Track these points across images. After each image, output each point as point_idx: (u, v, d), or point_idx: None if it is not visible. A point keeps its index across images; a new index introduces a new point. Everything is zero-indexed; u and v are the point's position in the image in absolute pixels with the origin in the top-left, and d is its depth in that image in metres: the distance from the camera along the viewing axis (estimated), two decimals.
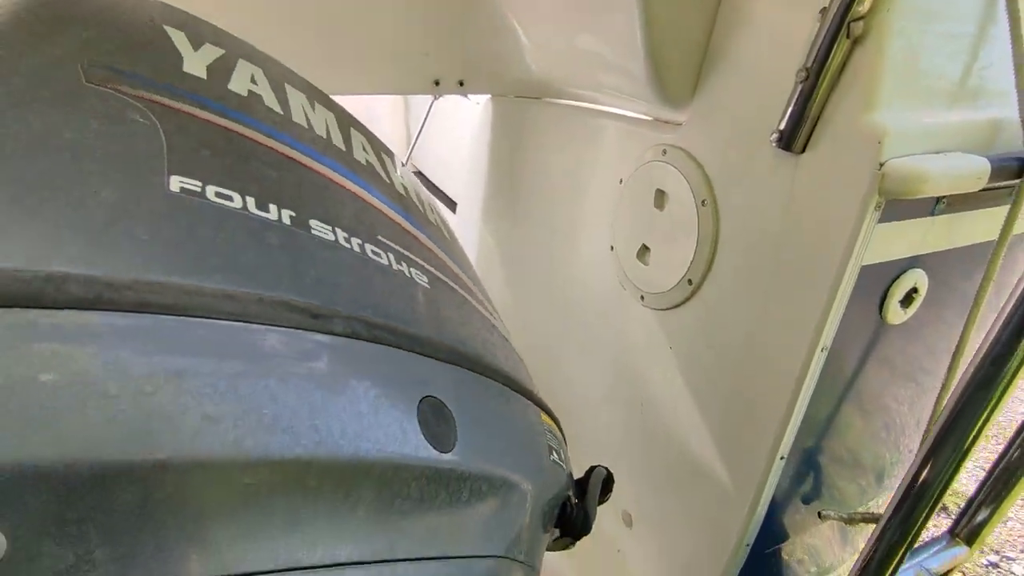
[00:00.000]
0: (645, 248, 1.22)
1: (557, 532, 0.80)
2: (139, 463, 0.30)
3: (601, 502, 0.94)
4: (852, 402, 1.04)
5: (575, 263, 1.48)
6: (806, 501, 1.15)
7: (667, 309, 1.19)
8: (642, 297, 1.24)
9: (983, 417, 0.75)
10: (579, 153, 1.42)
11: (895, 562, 0.77)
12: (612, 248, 1.32)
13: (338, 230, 0.50)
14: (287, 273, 0.42)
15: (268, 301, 0.39)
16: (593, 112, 1.39)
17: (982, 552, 2.55)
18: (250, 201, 0.44)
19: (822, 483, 1.14)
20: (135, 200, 0.37)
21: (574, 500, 0.80)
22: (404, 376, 0.47)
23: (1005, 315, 0.75)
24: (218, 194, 0.42)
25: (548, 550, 0.93)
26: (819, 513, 1.17)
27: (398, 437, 0.43)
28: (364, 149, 0.67)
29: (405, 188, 0.71)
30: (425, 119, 2.18)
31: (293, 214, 0.47)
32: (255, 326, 0.38)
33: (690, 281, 1.11)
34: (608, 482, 0.94)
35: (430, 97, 2.11)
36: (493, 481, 0.51)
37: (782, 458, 0.99)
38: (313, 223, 0.48)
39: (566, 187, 1.48)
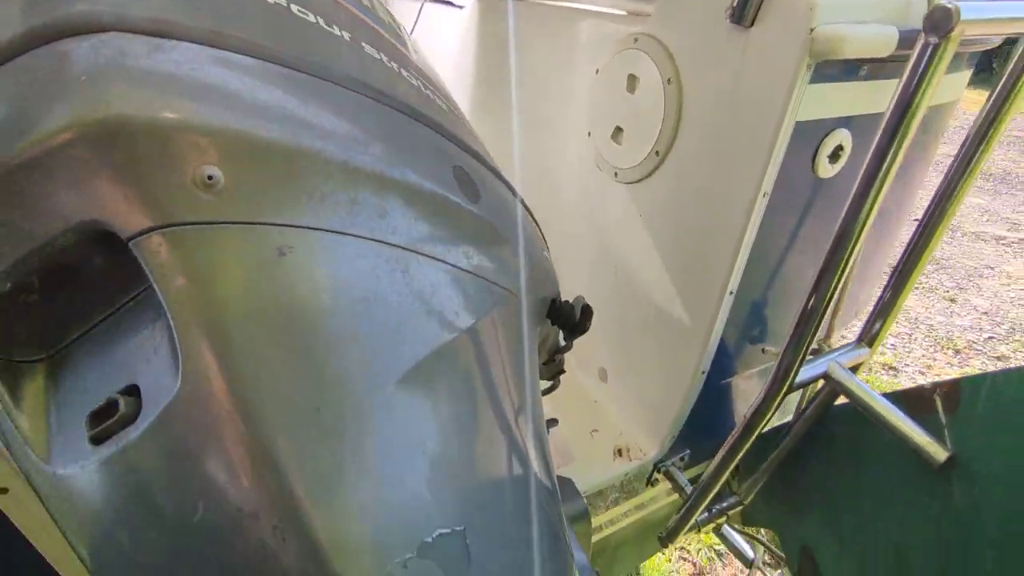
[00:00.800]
0: (619, 129, 1.39)
1: (551, 328, 0.99)
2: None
3: (583, 328, 1.14)
4: (789, 247, 1.24)
5: (555, 151, 1.65)
6: (752, 339, 1.38)
7: (638, 181, 1.37)
8: (616, 174, 1.42)
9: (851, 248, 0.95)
10: (559, 49, 1.56)
11: (802, 355, 0.99)
12: (589, 134, 1.49)
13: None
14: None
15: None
16: (571, 10, 1.52)
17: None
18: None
19: (766, 323, 1.36)
20: None
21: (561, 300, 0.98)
22: (442, 148, 0.64)
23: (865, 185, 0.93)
24: None
25: (542, 379, 1.13)
26: (763, 349, 1.40)
27: (447, 182, 0.60)
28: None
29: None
30: (412, 28, 2.26)
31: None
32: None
33: (657, 152, 1.29)
34: (587, 309, 1.13)
35: (417, 5, 2.19)
36: (505, 232, 0.68)
37: (731, 293, 1.20)
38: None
39: (547, 82, 1.63)
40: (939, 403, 0.98)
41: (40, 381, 0.47)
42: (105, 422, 0.43)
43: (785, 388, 1.01)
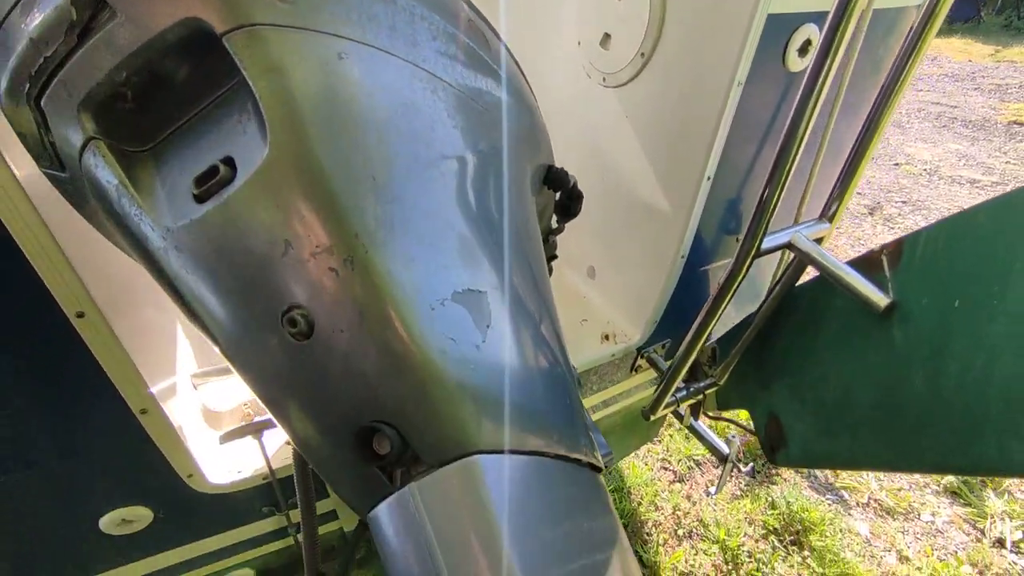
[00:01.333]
0: (607, 36, 1.48)
1: (548, 199, 1.11)
2: None
3: (575, 209, 1.26)
4: (764, 138, 1.37)
5: (545, 63, 1.74)
6: (728, 230, 1.51)
7: (624, 84, 1.47)
8: (604, 79, 1.52)
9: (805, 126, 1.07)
10: None
11: (767, 219, 1.12)
12: (579, 43, 1.58)
13: None
14: None
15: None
16: None
17: None
18: None
19: (740, 215, 1.50)
20: None
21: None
22: (458, 4, 0.75)
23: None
24: None
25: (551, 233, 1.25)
26: (736, 239, 1.53)
27: (463, 29, 0.71)
28: None
29: None
30: None
31: None
32: None
33: (643, 55, 1.39)
34: (578, 191, 1.25)
35: None
36: (513, 81, 0.80)
37: (708, 179, 1.33)
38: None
39: None
40: (885, 261, 1.13)
41: (149, 165, 0.59)
42: (207, 184, 0.55)
43: (753, 251, 1.15)
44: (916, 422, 1.05)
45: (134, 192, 0.57)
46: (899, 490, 3.03)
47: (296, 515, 1.32)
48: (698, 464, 3.09)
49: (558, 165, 1.41)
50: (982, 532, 2.83)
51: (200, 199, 0.55)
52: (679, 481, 3.01)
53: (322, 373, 0.56)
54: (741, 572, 2.57)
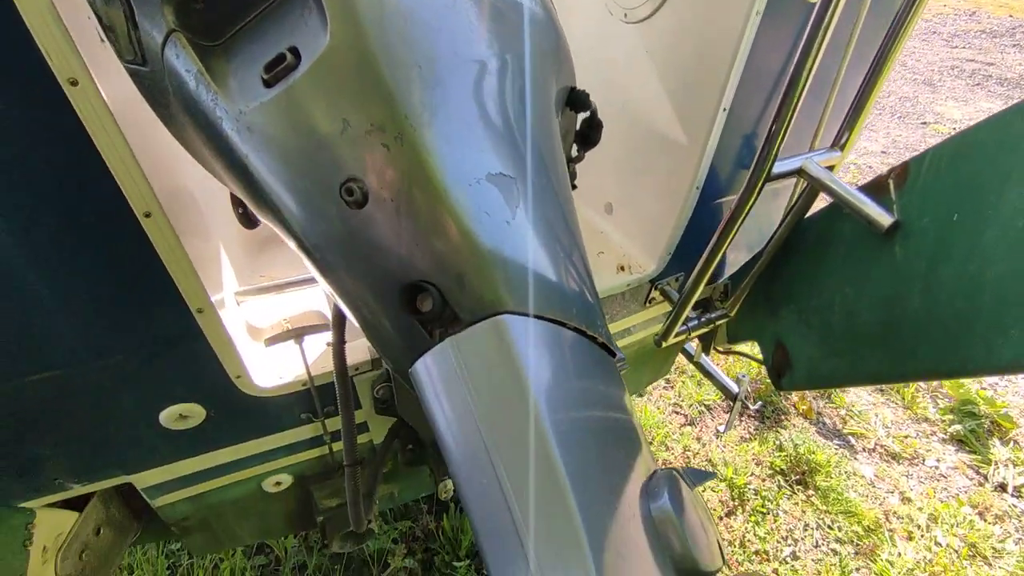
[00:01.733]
0: None
1: (570, 122, 1.17)
2: None
3: (595, 138, 1.32)
4: (781, 71, 1.40)
5: (567, 2, 1.77)
6: (743, 164, 1.56)
7: (645, 19, 1.51)
8: (625, 15, 1.55)
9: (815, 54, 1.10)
10: None
11: (776, 149, 1.17)
12: None
13: None
14: None
15: None
16: None
17: None
18: None
19: (755, 146, 1.54)
20: None
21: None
22: None
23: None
24: None
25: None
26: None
27: None
28: None
29: None
30: None
31: None
32: None
33: None
34: (598, 120, 1.30)
35: None
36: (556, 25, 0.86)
37: (724, 110, 1.37)
38: None
39: None
40: (892, 183, 1.18)
41: (221, 57, 0.67)
42: (275, 70, 0.62)
43: (764, 174, 1.21)
44: (912, 333, 1.12)
45: (210, 79, 0.64)
46: (905, 437, 3.11)
47: (332, 423, 1.43)
48: (708, 408, 3.19)
49: None
50: (985, 477, 2.91)
51: (269, 84, 0.63)
52: (690, 424, 3.12)
53: (374, 237, 0.65)
54: (747, 507, 2.69)
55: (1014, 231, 0.91)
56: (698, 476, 0.92)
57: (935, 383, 3.39)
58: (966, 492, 2.86)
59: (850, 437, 3.11)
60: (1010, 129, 0.94)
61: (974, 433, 3.09)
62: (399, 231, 0.64)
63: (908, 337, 1.13)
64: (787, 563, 2.49)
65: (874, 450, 3.05)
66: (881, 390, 3.39)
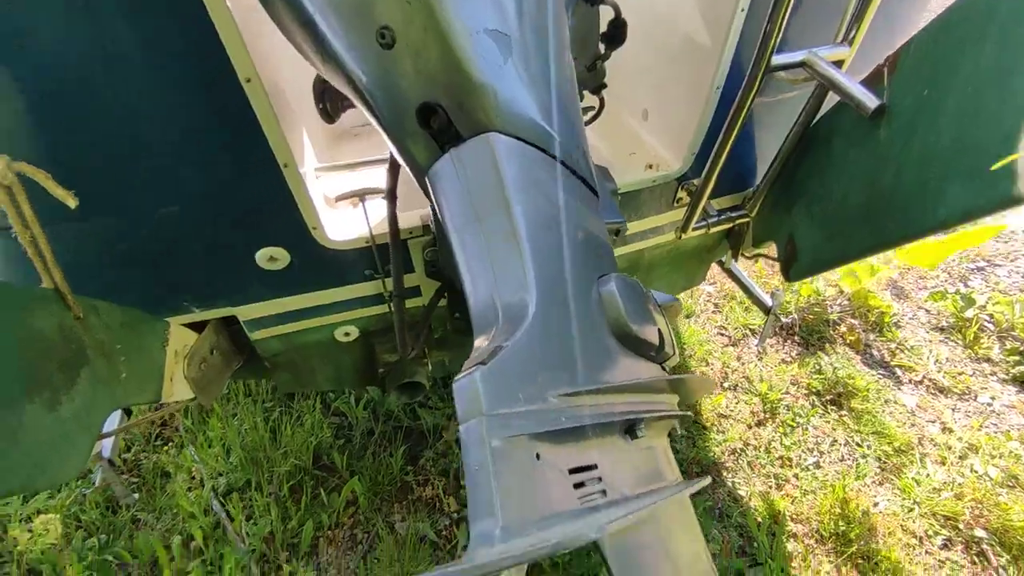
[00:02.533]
0: None
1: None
2: None
3: (620, 39, 1.48)
4: None
5: None
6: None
7: None
8: None
9: None
10: None
11: (774, 39, 1.28)
12: None
13: None
14: None
15: None
16: None
17: None
18: None
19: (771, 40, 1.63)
20: None
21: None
22: None
23: None
24: None
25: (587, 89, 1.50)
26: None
27: None
28: None
29: None
30: None
31: None
32: None
33: None
34: (623, 19, 1.46)
35: None
36: None
37: (743, 10, 1.48)
38: None
39: None
40: (885, 70, 1.28)
41: None
42: None
43: (764, 64, 1.33)
44: (887, 205, 1.24)
45: None
46: (959, 373, 3.09)
47: (391, 284, 1.74)
48: (753, 332, 3.30)
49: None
50: None
51: None
52: (732, 345, 3.24)
53: (401, 71, 0.90)
54: (777, 420, 2.83)
55: (964, 98, 1.02)
56: (662, 298, 1.13)
57: (1004, 324, 3.29)
58: (1018, 430, 2.84)
59: (897, 369, 3.12)
60: (975, 4, 1.03)
61: None
62: (418, 67, 0.89)
63: (883, 210, 1.25)
64: (809, 470, 2.63)
65: (921, 382, 3.05)
66: (941, 328, 3.34)
